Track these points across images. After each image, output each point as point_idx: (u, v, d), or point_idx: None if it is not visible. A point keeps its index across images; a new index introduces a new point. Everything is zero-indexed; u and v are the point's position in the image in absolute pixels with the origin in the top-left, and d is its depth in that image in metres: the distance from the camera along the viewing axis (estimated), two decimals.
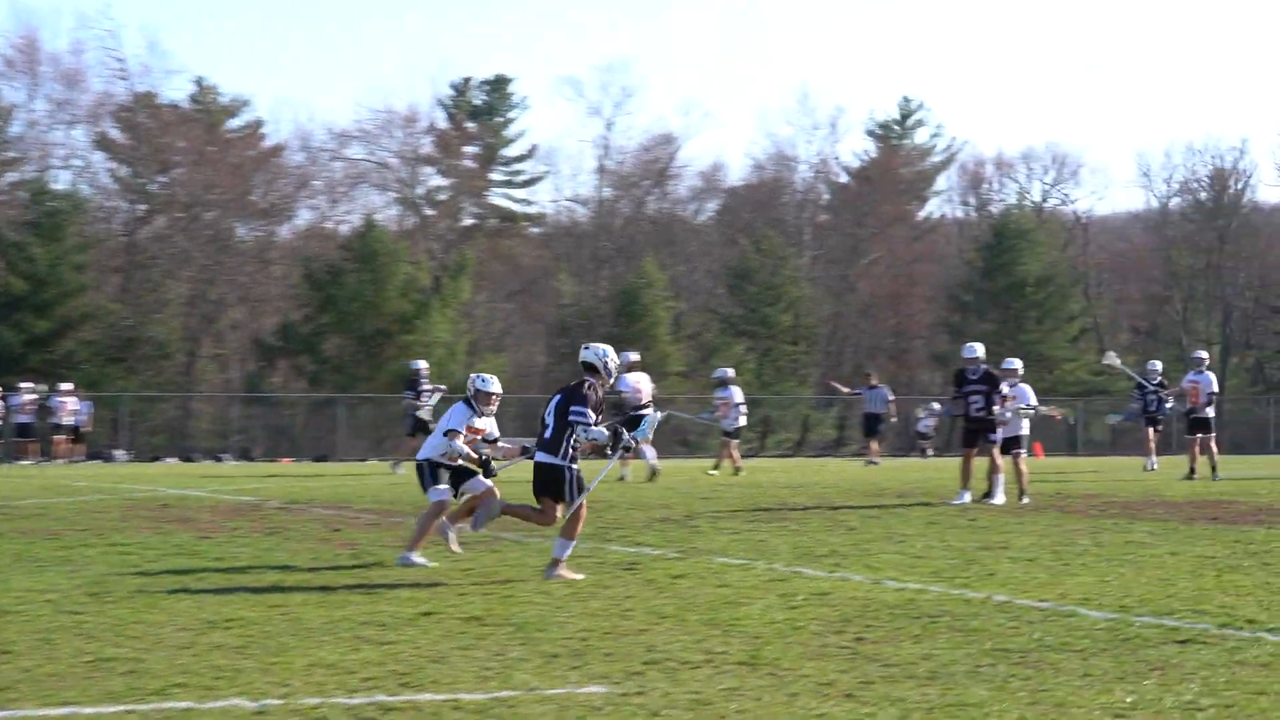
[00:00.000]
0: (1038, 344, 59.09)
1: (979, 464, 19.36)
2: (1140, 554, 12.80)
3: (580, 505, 11.11)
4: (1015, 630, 8.64)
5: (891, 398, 33.63)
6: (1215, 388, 25.06)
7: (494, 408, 12.09)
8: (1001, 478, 19.15)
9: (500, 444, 12.15)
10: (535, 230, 65.43)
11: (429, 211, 60.50)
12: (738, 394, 26.47)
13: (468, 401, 11.99)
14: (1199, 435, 24.92)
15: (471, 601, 9.79)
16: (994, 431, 19.22)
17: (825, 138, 65.88)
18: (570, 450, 11.10)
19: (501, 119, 65.16)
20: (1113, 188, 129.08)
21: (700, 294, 60.61)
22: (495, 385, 12.04)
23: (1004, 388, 19.34)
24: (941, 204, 72.90)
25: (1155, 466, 28.17)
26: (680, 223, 64.00)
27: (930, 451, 43.18)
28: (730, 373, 27.36)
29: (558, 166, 73.90)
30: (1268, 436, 51.74)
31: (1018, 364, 20.30)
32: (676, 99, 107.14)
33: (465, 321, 53.35)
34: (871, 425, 33.06)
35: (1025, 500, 18.98)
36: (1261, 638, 8.38)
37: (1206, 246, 67.63)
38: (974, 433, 19.23)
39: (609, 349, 11.44)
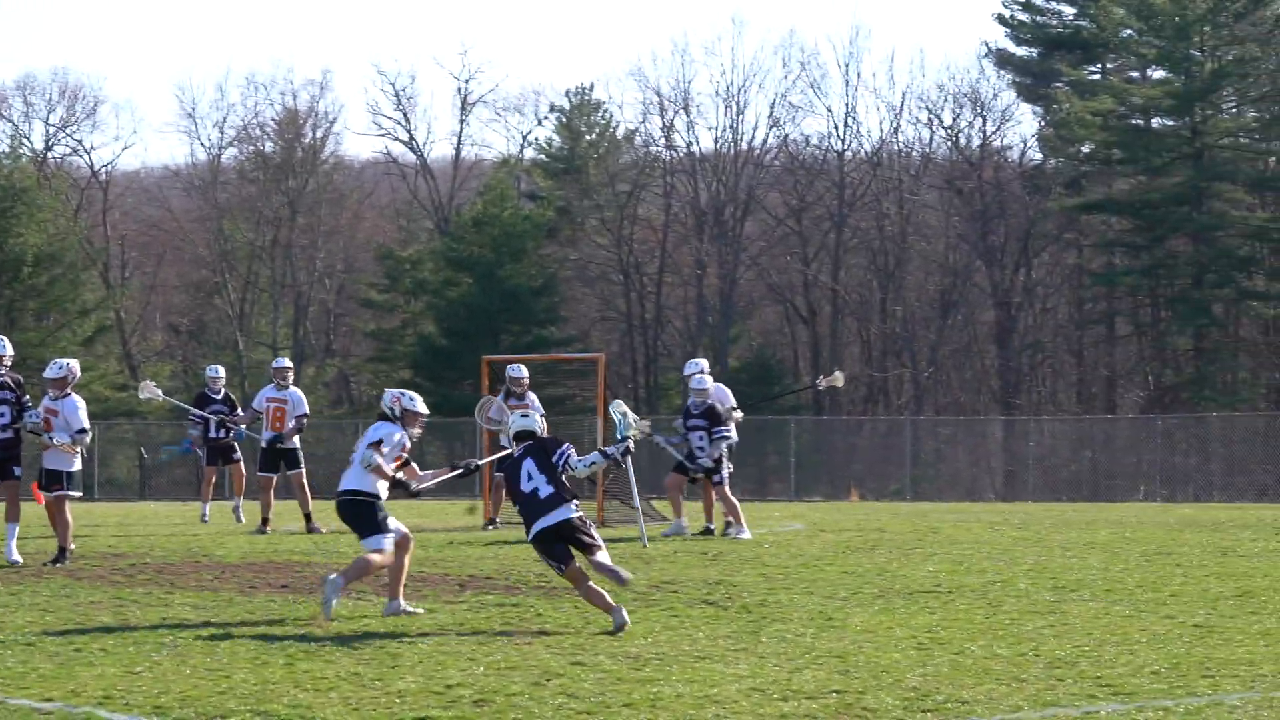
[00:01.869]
0: (39, 347, 58.67)
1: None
2: (182, 635, 13.15)
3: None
4: None
5: None
6: (306, 408, 26.44)
7: (419, 432, 14.76)
8: (16, 527, 19.34)
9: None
10: None
11: None
12: None
13: (389, 420, 14.58)
14: (277, 474, 25.92)
15: None
16: (18, 463, 19.60)
17: None
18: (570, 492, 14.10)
19: None
20: (146, 133, 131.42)
21: None
22: (423, 405, 14.69)
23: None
24: None
25: (207, 517, 28.30)
26: None
27: None
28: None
29: None
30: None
31: None
32: None
33: None
34: None
35: (66, 561, 19.06)
36: None
37: (273, 217, 70.11)
38: None
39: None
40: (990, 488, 54.12)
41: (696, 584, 17.05)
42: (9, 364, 19.79)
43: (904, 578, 17.81)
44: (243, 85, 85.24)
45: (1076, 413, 63.14)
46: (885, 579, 17.66)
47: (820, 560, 19.89)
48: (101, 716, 9.42)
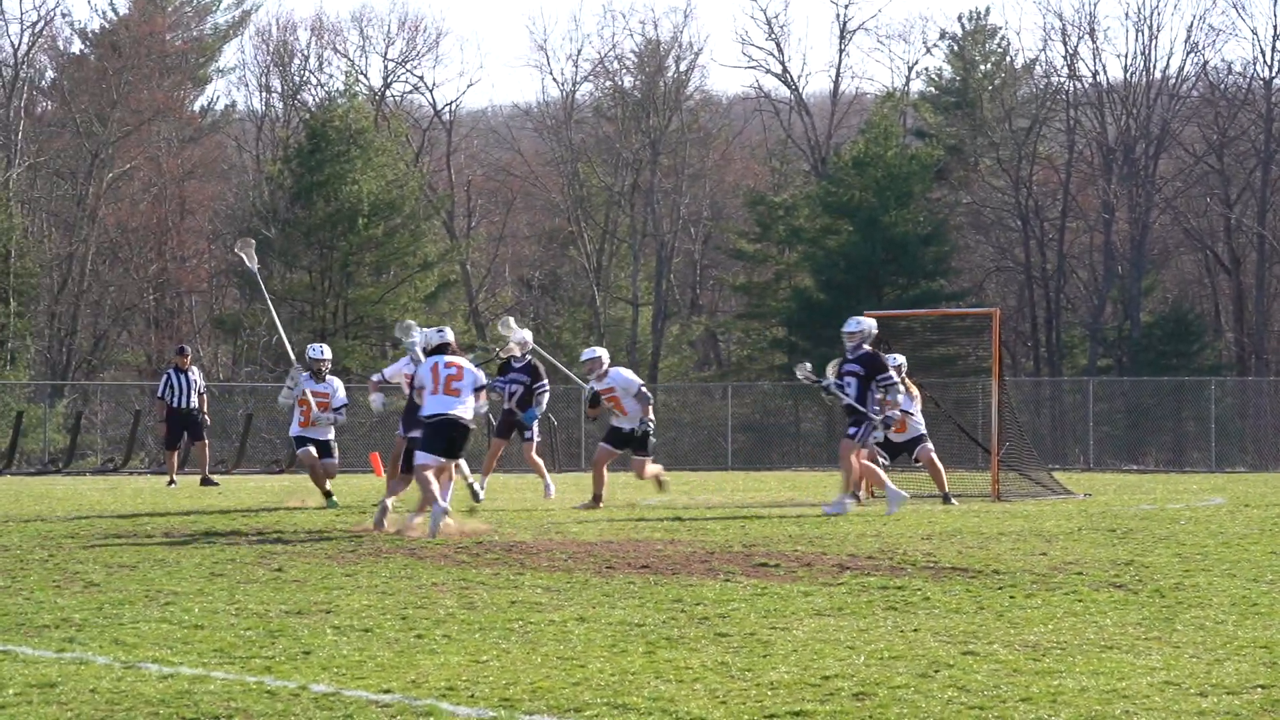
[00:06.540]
0: (377, 304, 60.08)
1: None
2: (533, 620, 13.21)
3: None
4: None
5: (201, 383, 34.74)
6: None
7: None
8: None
9: None
10: None
11: None
12: None
13: None
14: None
15: None
16: None
17: None
18: None
19: None
20: (494, 69, 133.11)
21: None
22: None
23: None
24: (231, 89, 74.90)
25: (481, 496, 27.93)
26: None
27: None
28: None
29: None
30: (720, 444, 54.40)
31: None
32: None
33: None
34: (184, 426, 34.47)
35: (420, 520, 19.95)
36: None
37: (633, 159, 70.29)
38: None
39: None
40: None
41: (1103, 565, 16.81)
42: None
43: None
44: (599, 15, 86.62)
45: None
46: None
47: (1244, 539, 19.56)
48: (445, 710, 9.46)
